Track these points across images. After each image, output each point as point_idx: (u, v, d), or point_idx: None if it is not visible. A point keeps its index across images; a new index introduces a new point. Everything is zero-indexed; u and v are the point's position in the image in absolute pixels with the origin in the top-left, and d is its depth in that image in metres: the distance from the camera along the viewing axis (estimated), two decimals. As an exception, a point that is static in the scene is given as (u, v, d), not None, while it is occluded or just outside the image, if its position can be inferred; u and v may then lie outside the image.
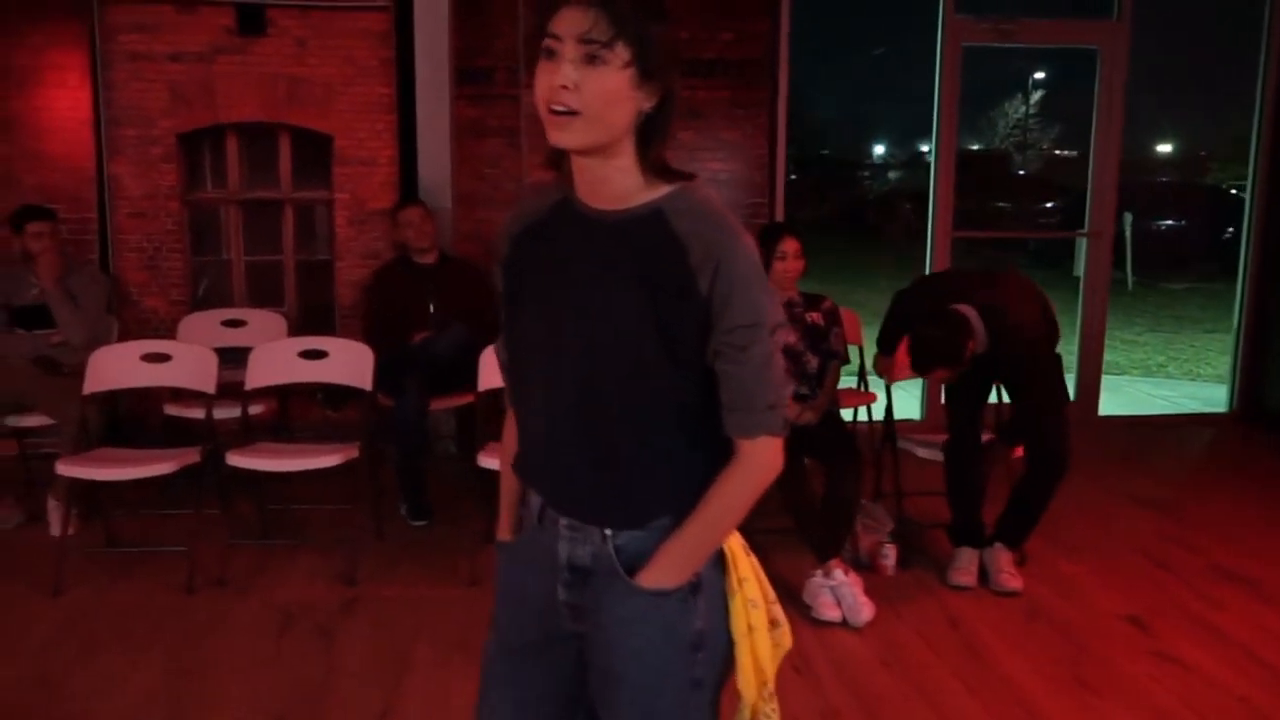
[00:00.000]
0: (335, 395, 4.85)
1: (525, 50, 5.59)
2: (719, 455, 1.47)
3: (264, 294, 5.76)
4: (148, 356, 4.19)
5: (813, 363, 4.04)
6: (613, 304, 1.41)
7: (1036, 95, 37.14)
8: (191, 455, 3.97)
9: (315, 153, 5.65)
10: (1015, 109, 37.12)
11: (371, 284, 5.10)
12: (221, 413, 4.28)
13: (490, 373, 4.08)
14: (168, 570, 3.92)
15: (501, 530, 1.68)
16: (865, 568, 3.94)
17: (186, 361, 4.18)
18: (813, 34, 5.95)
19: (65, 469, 3.87)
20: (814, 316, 4.07)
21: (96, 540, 4.20)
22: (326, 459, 4.00)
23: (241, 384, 4.30)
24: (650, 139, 1.42)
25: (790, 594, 3.74)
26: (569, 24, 1.33)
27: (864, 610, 3.54)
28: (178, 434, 4.85)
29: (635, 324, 1.40)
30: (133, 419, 4.90)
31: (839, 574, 3.61)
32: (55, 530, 4.24)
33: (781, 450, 1.48)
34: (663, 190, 1.44)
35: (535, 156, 5.70)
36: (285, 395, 4.88)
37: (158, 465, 3.89)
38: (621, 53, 1.33)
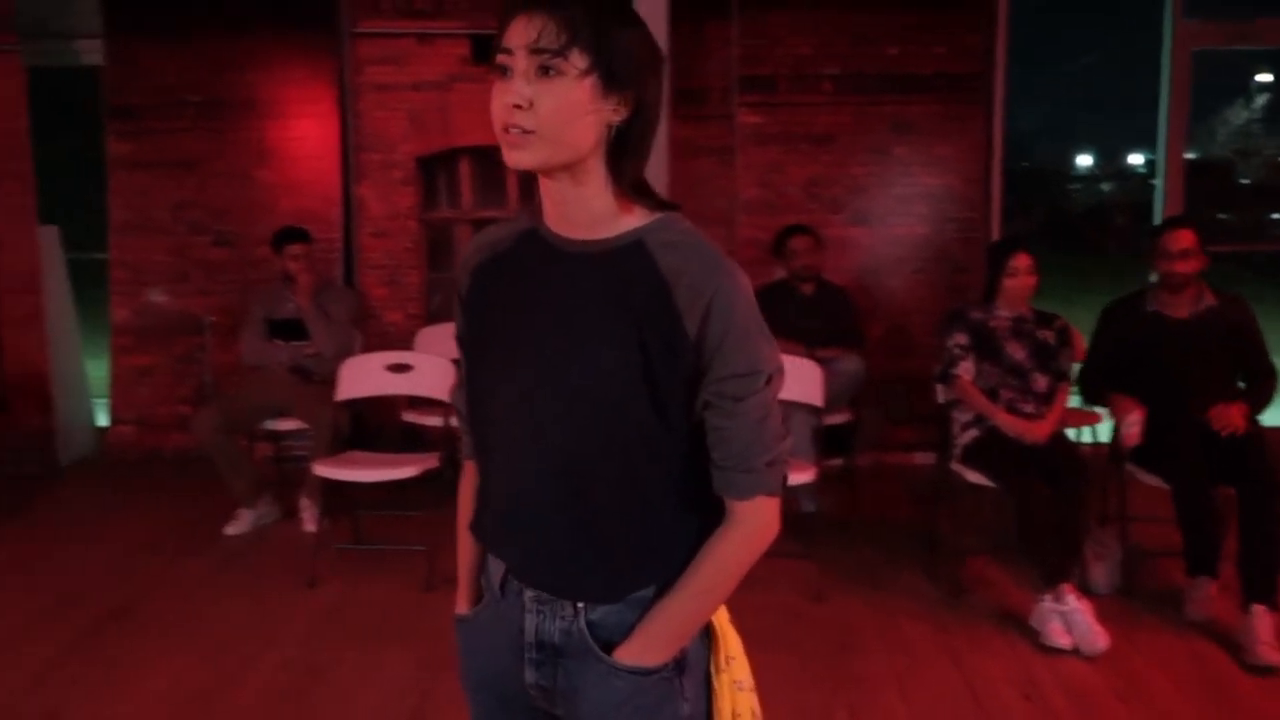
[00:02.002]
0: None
1: (737, 71, 5.71)
2: (711, 517, 1.32)
3: (492, 308, 6.03)
4: (392, 367, 4.48)
5: (1041, 383, 3.96)
6: (593, 349, 1.25)
7: (1260, 99, 34.86)
8: (431, 460, 4.22)
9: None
10: (1236, 114, 34.93)
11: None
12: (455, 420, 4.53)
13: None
14: (409, 568, 4.17)
15: (460, 602, 1.48)
16: (1094, 593, 3.83)
17: (427, 372, 4.44)
18: (1014, 43, 5.84)
19: (321, 470, 4.18)
20: (1045, 335, 4.00)
21: (344, 537, 4.51)
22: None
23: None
24: (623, 156, 1.25)
25: (1013, 617, 3.70)
26: (518, 34, 1.19)
27: (1098, 638, 3.43)
28: (412, 439, 5.17)
29: (619, 372, 1.24)
30: (373, 425, 5.24)
31: (1070, 599, 3.52)
32: (309, 526, 4.60)
33: (779, 512, 1.32)
34: (643, 218, 1.28)
35: (748, 175, 5.80)
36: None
37: (402, 468, 4.15)
38: (578, 61, 1.18)
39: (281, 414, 4.84)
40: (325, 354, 4.84)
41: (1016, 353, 3.96)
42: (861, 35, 5.74)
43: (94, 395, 6.35)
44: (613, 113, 1.23)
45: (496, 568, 1.39)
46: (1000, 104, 5.83)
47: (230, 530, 4.66)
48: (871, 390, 5.21)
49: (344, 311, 5.01)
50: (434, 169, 5.97)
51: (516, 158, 1.22)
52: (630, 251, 1.26)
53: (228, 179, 5.85)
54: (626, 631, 1.31)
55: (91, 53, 6.05)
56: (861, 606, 3.86)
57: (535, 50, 1.18)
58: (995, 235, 5.81)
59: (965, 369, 3.98)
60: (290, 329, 4.90)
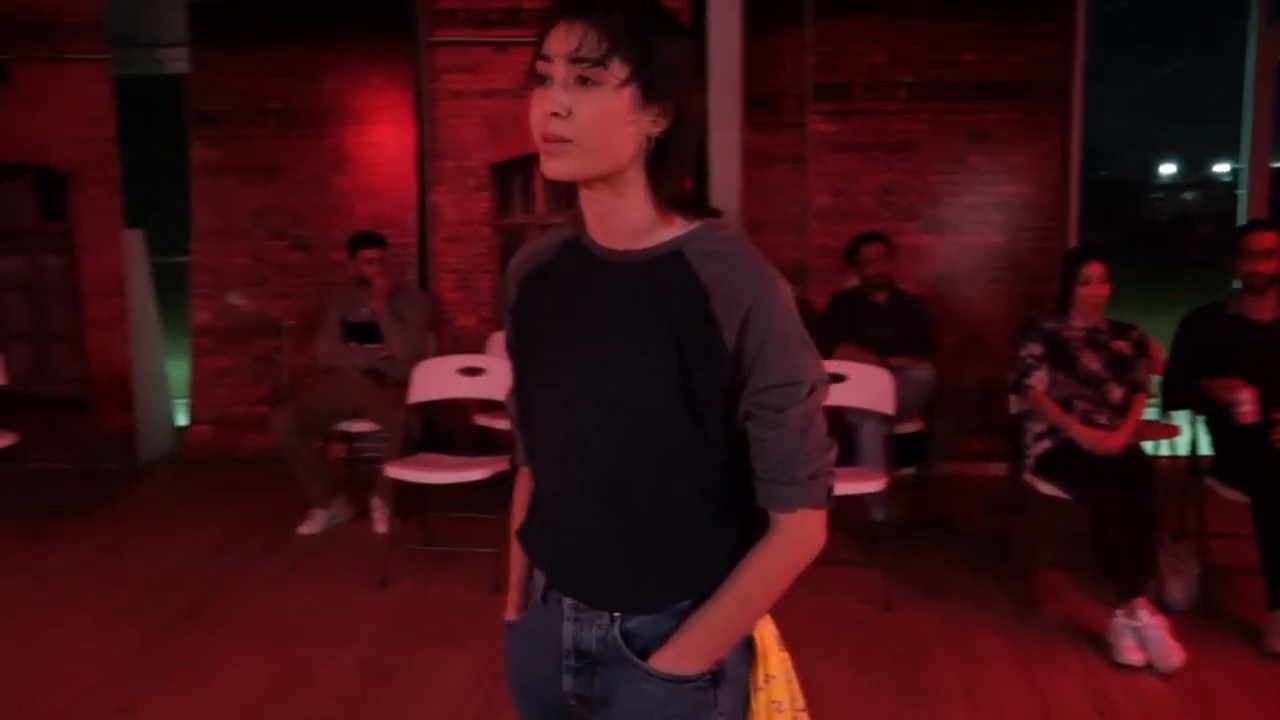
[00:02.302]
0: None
1: (811, 79, 5.69)
2: (752, 531, 1.29)
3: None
4: (464, 370, 4.53)
5: (1116, 393, 3.89)
6: (631, 359, 1.25)
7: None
8: (502, 463, 4.25)
9: (611, 180, 5.95)
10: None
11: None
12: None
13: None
14: (478, 569, 4.20)
15: (509, 608, 1.49)
16: (1171, 609, 3.74)
17: (499, 375, 4.48)
18: (1094, 51, 5.75)
19: (393, 471, 4.24)
20: (1120, 345, 3.92)
21: (415, 538, 4.56)
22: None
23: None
24: (663, 167, 1.24)
25: (1086, 632, 3.62)
26: (558, 42, 1.18)
27: (1172, 655, 3.35)
28: (483, 442, 5.22)
29: (656, 382, 1.23)
30: (444, 427, 5.30)
31: (1144, 615, 3.43)
32: (380, 527, 4.67)
33: (824, 525, 1.29)
34: (683, 227, 1.27)
35: (821, 183, 5.77)
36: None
37: (473, 471, 4.20)
38: (617, 70, 1.17)
39: (355, 415, 4.92)
40: (399, 357, 4.90)
41: (1091, 363, 3.89)
42: (937, 42, 5.68)
43: (174, 395, 6.53)
44: (652, 124, 1.22)
45: (540, 575, 1.40)
46: (1078, 111, 5.74)
47: (304, 530, 4.74)
48: (945, 399, 5.15)
49: (418, 315, 5.08)
50: (508, 175, 6.03)
51: (554, 168, 1.21)
52: (669, 261, 1.25)
53: (306, 184, 5.98)
54: (663, 640, 1.30)
55: (177, 61, 6.23)
56: (931, 617, 3.81)
57: (575, 59, 1.17)
58: (1073, 244, 5.71)
59: (1038, 379, 3.91)
60: (365, 332, 4.98)
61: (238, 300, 6.05)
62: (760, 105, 5.77)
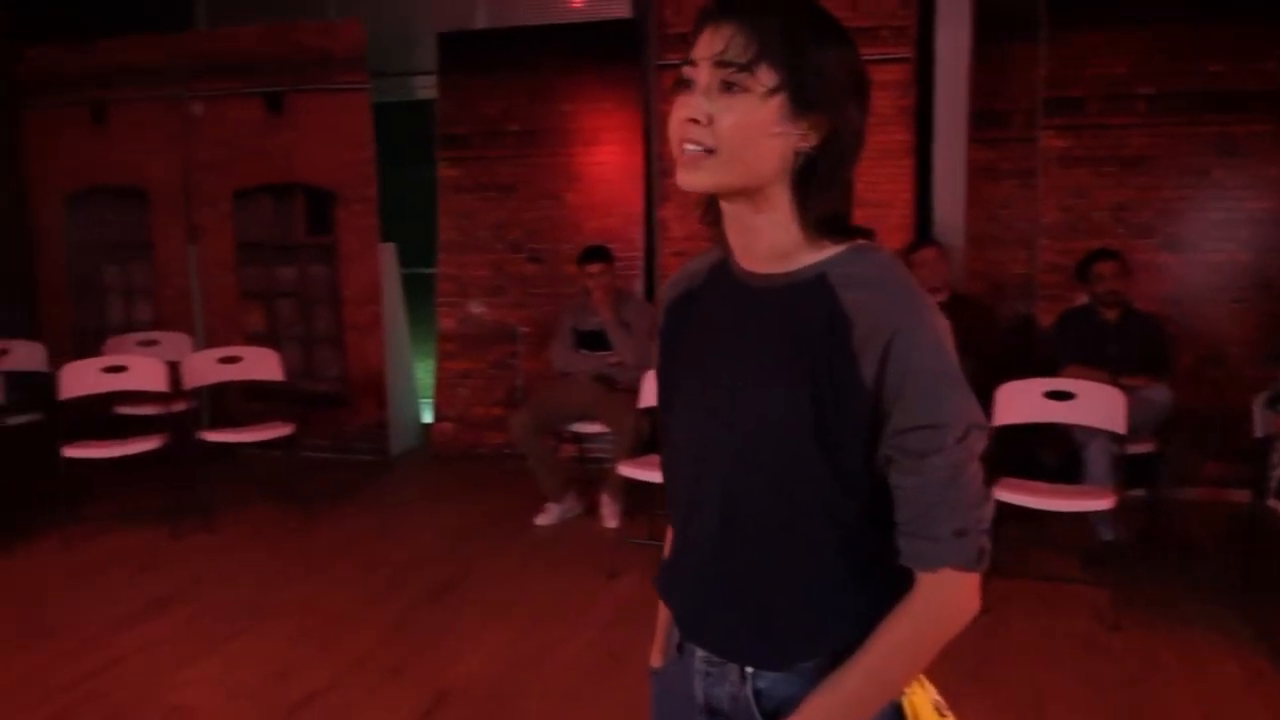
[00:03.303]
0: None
1: (1043, 93, 5.61)
2: (893, 589, 1.16)
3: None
4: (690, 378, 4.71)
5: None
6: (766, 392, 1.15)
7: None
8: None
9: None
10: None
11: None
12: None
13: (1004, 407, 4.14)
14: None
15: (654, 653, 1.44)
16: None
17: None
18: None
19: (625, 470, 4.47)
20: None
21: (640, 533, 4.77)
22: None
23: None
24: (811, 185, 1.14)
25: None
26: (705, 46, 1.11)
27: None
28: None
29: (789, 418, 1.13)
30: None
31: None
32: (610, 522, 4.93)
33: (976, 589, 1.14)
34: (830, 250, 1.17)
35: (1050, 198, 5.67)
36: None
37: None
38: (765, 77, 1.09)
39: (586, 417, 5.20)
40: (627, 363, 5.15)
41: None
42: (1181, 52, 5.49)
43: (421, 395, 7.04)
44: (801, 138, 1.13)
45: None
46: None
47: (539, 521, 5.06)
48: (1181, 421, 4.97)
49: (644, 324, 5.31)
50: (734, 193, 6.18)
51: (689, 179, 1.14)
52: (811, 286, 1.15)
53: (541, 201, 6.34)
54: (794, 705, 1.19)
55: (426, 88, 6.74)
56: (1162, 640, 3.71)
57: (720, 63, 1.10)
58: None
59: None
60: (595, 340, 5.26)
61: (478, 309, 6.47)
62: (988, 120, 5.75)
